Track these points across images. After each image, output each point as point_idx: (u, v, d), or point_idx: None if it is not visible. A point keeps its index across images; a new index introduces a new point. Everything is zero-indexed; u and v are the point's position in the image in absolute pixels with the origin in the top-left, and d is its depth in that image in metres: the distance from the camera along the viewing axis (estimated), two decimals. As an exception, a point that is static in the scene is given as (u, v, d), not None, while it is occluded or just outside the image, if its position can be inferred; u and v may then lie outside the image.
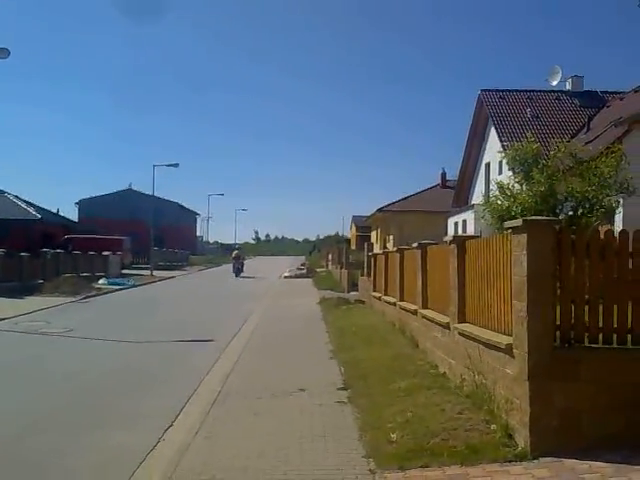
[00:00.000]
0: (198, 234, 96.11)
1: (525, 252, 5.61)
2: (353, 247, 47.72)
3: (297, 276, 41.59)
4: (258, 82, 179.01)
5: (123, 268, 40.97)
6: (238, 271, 41.40)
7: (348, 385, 8.43)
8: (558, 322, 5.71)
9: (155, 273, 40.72)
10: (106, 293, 27.19)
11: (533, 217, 6.38)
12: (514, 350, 5.82)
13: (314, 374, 9.30)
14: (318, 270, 46.50)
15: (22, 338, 13.85)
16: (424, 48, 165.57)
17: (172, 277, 40.87)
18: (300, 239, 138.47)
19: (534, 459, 5.29)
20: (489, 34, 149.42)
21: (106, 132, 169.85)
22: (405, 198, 40.45)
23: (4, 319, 16.29)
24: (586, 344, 5.75)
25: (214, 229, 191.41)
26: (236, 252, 46.22)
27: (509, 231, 6.15)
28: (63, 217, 52.45)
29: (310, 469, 5.27)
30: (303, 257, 76.43)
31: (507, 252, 6.23)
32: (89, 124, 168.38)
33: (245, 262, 45.65)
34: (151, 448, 6.00)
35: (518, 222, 5.90)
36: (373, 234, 47.09)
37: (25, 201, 41.87)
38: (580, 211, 8.15)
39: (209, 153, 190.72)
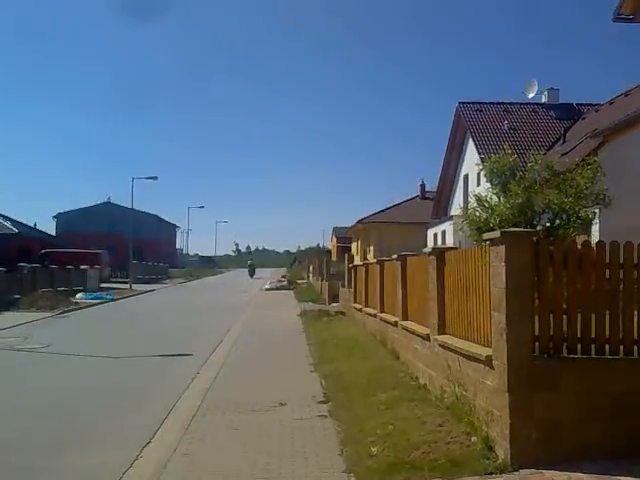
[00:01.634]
0: (178, 247, 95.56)
1: (503, 263, 5.64)
2: (334, 258, 47.59)
3: (278, 288, 41.42)
4: (236, 96, 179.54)
5: (102, 282, 40.55)
6: (252, 274, 60.92)
7: (329, 398, 8.38)
8: (537, 333, 5.74)
9: (134, 287, 40.33)
10: (84, 307, 26.86)
11: (511, 229, 6.43)
12: (494, 361, 5.83)
13: (295, 387, 9.24)
14: (299, 282, 46.44)
15: (-3, 354, 13.59)
16: (403, 61, 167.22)
17: (152, 290, 40.53)
18: (281, 251, 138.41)
19: (514, 471, 5.29)
20: (466, 47, 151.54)
21: (85, 148, 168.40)
22: (385, 209, 40.65)
23: (-21, 335, 16.00)
24: (565, 354, 5.79)
25: (194, 241, 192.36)
26: (250, 262, 68.27)
27: (487, 243, 6.18)
28: (40, 231, 51.77)
29: (290, 485, 5.21)
30: (284, 269, 76.26)
31: (486, 263, 6.26)
32: (66, 139, 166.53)
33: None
34: (128, 466, 5.89)
35: (496, 234, 5.93)
36: (354, 245, 47.18)
37: (1, 215, 41.29)
38: (557, 222, 8.22)
39: (188, 167, 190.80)
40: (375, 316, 13.68)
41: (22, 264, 29.01)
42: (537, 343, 5.74)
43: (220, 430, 7.04)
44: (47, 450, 6.53)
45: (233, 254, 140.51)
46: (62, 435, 7.14)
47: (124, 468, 5.82)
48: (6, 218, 41.04)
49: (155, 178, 46.00)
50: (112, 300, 31.34)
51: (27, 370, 11.70)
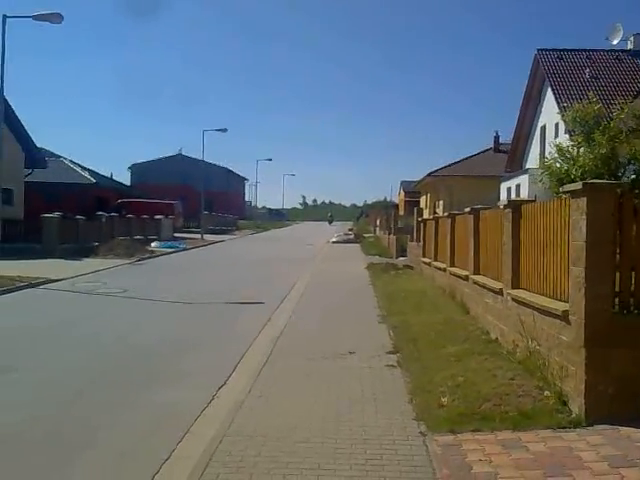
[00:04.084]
0: (247, 199, 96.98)
1: (584, 217, 5.45)
2: (401, 213, 47.33)
3: (345, 241, 41.58)
4: (311, 41, 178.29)
5: (174, 231, 41.83)
6: (330, 222, 77.78)
7: (398, 349, 8.43)
8: (617, 289, 5.56)
9: (205, 237, 41.43)
10: (159, 256, 27.85)
11: (593, 180, 6.17)
12: (570, 317, 5.70)
13: (363, 337, 9.34)
14: (366, 236, 46.45)
15: (79, 298, 14.35)
16: (478, 10, 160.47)
17: (222, 241, 41.50)
18: (348, 204, 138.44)
19: (588, 426, 5.22)
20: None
21: (161, 89, 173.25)
22: (456, 162, 39.60)
23: (62, 280, 16.90)
24: (647, 311, 5.60)
25: (262, 194, 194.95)
26: (330, 213, 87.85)
27: (567, 195, 5.97)
28: (117, 181, 53.58)
29: (360, 430, 5.32)
30: (350, 222, 76.43)
31: (565, 217, 6.06)
32: (139, 82, 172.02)
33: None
34: (206, 405, 6.17)
35: (577, 185, 5.71)
36: (422, 199, 46.59)
37: (80, 166, 42.87)
38: (644, 174, 7.83)
39: (257, 112, 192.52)
40: (444, 270, 13.56)
41: (100, 213, 30.21)
42: (617, 299, 5.58)
43: (291, 375, 7.23)
44: (128, 389, 6.90)
45: (300, 207, 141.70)
46: (141, 376, 7.51)
47: (202, 406, 6.10)
48: (84, 169, 42.58)
49: (224, 130, 46.60)
50: (185, 249, 32.34)
51: (107, 313, 12.33)
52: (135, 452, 5.07)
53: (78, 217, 27.11)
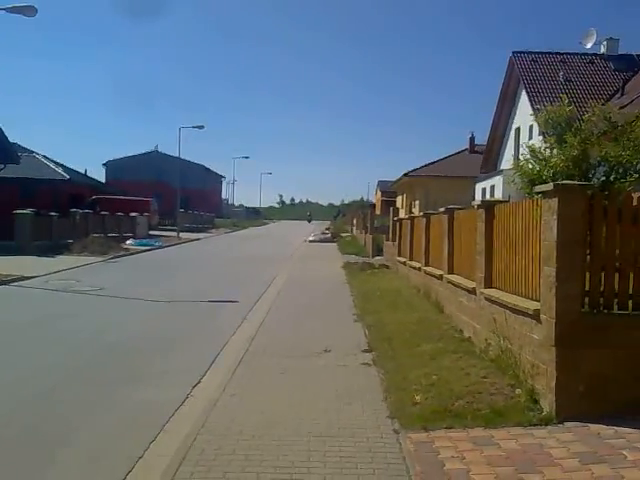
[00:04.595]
0: (224, 197, 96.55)
1: (555, 217, 5.55)
2: (378, 212, 47.58)
3: (322, 240, 41.64)
4: (290, 39, 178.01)
5: (150, 229, 41.48)
6: (310, 221, 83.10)
7: (373, 347, 8.49)
8: (587, 288, 5.67)
9: (181, 235, 41.16)
10: (134, 253, 27.61)
11: (564, 182, 6.28)
12: (541, 315, 5.80)
13: (339, 336, 9.38)
14: (343, 235, 46.54)
15: (53, 296, 14.17)
16: (455, 10, 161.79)
17: (198, 239, 41.26)
18: (325, 203, 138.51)
19: (559, 423, 5.31)
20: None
21: (134, 90, 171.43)
22: (432, 163, 39.90)
23: (35, 277, 16.67)
24: (615, 310, 5.72)
25: (239, 192, 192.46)
26: (309, 213, 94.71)
27: (539, 196, 6.07)
28: (91, 178, 52.86)
29: (335, 427, 5.35)
30: (327, 222, 76.57)
31: (537, 217, 6.16)
32: (115, 82, 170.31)
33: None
34: (180, 404, 6.14)
35: (549, 186, 5.81)
36: (399, 199, 46.84)
37: (54, 161, 42.18)
38: (613, 176, 7.94)
39: (235, 111, 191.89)
40: (419, 269, 13.67)
41: (74, 210, 29.81)
42: (587, 298, 5.69)
43: (267, 373, 7.24)
44: (101, 387, 6.85)
45: (277, 205, 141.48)
46: (115, 374, 7.44)
47: (176, 405, 6.08)
48: (58, 164, 41.94)
49: (201, 127, 46.26)
50: (160, 247, 32.10)
51: (81, 311, 12.18)
52: (109, 450, 5.04)
53: (52, 214, 26.74)
